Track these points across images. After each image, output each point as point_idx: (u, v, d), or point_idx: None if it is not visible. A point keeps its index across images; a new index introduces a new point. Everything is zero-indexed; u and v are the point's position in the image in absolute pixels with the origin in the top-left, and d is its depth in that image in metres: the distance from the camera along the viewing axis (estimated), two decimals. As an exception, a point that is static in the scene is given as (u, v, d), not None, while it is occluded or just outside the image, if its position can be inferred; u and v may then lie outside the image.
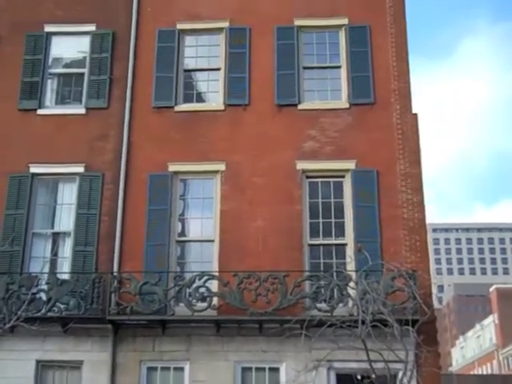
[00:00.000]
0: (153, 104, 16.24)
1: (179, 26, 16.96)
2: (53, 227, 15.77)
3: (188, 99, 16.51)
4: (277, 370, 13.93)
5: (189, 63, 16.91)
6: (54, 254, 15.33)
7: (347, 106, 15.96)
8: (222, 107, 16.18)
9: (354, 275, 13.70)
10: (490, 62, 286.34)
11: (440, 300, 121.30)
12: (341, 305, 13.67)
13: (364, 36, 16.48)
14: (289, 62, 16.35)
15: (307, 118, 15.86)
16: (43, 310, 13.85)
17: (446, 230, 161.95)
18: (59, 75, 17.09)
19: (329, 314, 13.12)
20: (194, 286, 13.89)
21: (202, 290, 13.86)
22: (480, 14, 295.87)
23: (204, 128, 15.95)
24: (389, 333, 12.11)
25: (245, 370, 14.01)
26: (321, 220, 15.24)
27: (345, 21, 16.67)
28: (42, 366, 14.23)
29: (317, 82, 16.45)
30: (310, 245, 15.03)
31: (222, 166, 15.54)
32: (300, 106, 16.01)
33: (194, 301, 13.77)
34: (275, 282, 13.70)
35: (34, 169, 15.80)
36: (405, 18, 16.68)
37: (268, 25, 16.68)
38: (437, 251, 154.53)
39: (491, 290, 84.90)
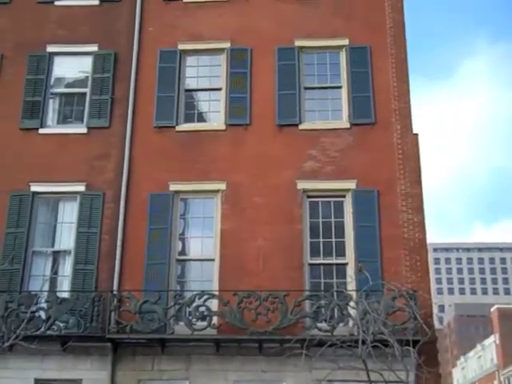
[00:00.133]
0: (154, 124, 16.32)
1: (181, 47, 17.09)
2: (53, 245, 15.78)
3: (189, 119, 16.59)
4: (277, 389, 13.85)
5: (190, 83, 17.01)
6: (54, 272, 15.33)
7: (348, 126, 16.04)
8: (223, 127, 16.26)
9: (354, 295, 13.67)
10: (489, 82, 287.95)
11: (441, 320, 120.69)
12: (341, 324, 13.64)
13: (364, 57, 16.60)
14: (290, 82, 16.45)
15: (308, 138, 15.92)
16: (42, 329, 13.82)
17: (447, 249, 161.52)
18: (61, 95, 17.20)
19: (329, 334, 13.08)
20: (194, 304, 13.87)
21: (202, 308, 13.84)
22: (480, 35, 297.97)
23: (205, 148, 16.02)
24: (389, 353, 12.04)
25: (244, 389, 13.94)
26: (321, 239, 15.25)
27: (345, 41, 16.81)
28: (41, 385, 14.17)
29: (318, 102, 16.54)
30: (311, 264, 15.02)
31: (222, 186, 15.58)
32: (301, 126, 16.08)
33: (194, 320, 13.74)
34: (275, 302, 13.68)
35: (34, 187, 15.84)
36: (405, 38, 16.81)
37: (269, 45, 16.81)
38: (437, 271, 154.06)
39: (492, 310, 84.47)
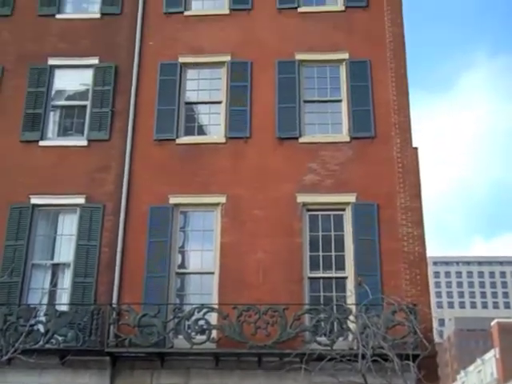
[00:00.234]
0: (154, 136, 16.34)
1: (181, 60, 17.15)
2: (52, 258, 15.74)
3: (189, 132, 16.61)
4: (276, 404, 13.78)
5: (190, 96, 17.05)
6: (54, 285, 15.30)
7: (348, 139, 16.06)
8: (223, 140, 16.28)
9: (354, 309, 13.64)
10: (489, 95, 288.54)
11: (441, 334, 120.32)
12: (341, 338, 13.58)
13: (364, 70, 16.66)
14: (290, 95, 16.49)
15: (308, 151, 15.94)
16: (41, 342, 13.74)
17: (447, 263, 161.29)
18: (62, 107, 17.23)
19: (329, 348, 13.03)
20: (194, 318, 13.82)
21: (202, 322, 13.79)
22: (479, 48, 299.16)
23: (205, 161, 16.03)
24: (389, 368, 12.03)
25: (244, 403, 13.87)
26: (321, 253, 15.23)
27: (345, 55, 16.87)
28: (40, 399, 14.09)
29: (317, 115, 16.57)
30: (310, 278, 14.99)
31: (222, 199, 15.57)
32: (301, 140, 16.10)
33: (193, 333, 13.69)
34: (275, 315, 13.63)
35: (34, 200, 15.83)
36: (405, 52, 16.87)
37: (269, 59, 16.87)
38: (437, 284, 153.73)
39: (492, 324, 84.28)
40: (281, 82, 16.65)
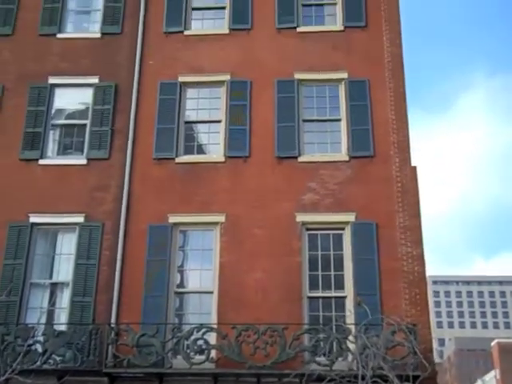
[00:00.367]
0: (154, 155, 16.36)
1: (181, 79, 17.22)
2: (51, 277, 15.68)
3: (189, 151, 16.63)
4: (275, 425, 13.66)
5: (190, 115, 17.10)
6: (52, 304, 15.22)
7: (347, 158, 16.08)
8: (223, 159, 16.29)
9: (353, 329, 13.58)
10: (487, 115, 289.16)
11: (441, 354, 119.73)
12: (340, 359, 13.49)
13: (363, 90, 16.72)
14: (289, 114, 16.54)
15: (307, 171, 15.95)
16: (38, 363, 13.67)
17: (447, 282, 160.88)
18: (61, 126, 17.26)
19: (328, 369, 12.95)
20: (192, 338, 13.75)
21: (200, 342, 13.71)
22: (477, 68, 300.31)
23: (204, 180, 16.04)
24: (389, 388, 11.94)
25: (242, 425, 13.75)
26: (320, 272, 15.18)
27: (344, 75, 16.94)
28: (36, 420, 13.95)
29: (317, 134, 16.60)
30: (310, 297, 14.93)
31: (221, 218, 15.56)
32: (300, 159, 16.12)
33: (192, 353, 13.61)
34: (274, 335, 13.56)
35: (33, 218, 15.80)
36: (403, 72, 16.94)
37: (268, 78, 16.94)
38: (437, 304, 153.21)
39: (492, 344, 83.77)
40: (280, 102, 16.70)
